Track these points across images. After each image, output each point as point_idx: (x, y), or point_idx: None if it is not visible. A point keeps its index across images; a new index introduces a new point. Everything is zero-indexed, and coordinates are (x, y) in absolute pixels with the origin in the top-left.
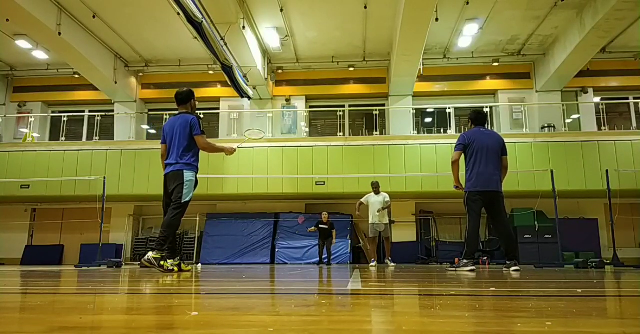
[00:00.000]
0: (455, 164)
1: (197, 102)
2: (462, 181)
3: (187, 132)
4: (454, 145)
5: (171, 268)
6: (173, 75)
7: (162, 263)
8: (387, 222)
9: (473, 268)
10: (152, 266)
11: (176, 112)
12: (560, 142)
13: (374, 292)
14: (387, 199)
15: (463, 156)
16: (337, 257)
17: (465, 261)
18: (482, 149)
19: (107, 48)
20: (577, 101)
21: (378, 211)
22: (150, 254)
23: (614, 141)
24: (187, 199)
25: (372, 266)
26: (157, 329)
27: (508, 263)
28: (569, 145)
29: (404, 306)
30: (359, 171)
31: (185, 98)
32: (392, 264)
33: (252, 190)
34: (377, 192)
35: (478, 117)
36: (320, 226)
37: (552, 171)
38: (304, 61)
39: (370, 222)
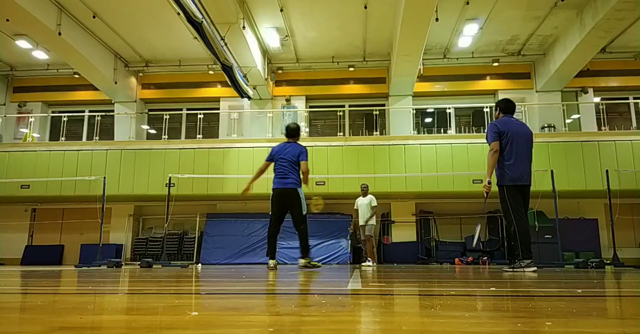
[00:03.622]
0: (496, 154)
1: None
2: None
3: (296, 157)
4: (486, 136)
5: (319, 265)
6: (173, 75)
7: (312, 263)
8: (373, 223)
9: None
10: (307, 268)
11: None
12: (560, 142)
13: (374, 292)
14: (374, 203)
15: None
16: (337, 257)
17: (527, 261)
18: (518, 139)
19: (107, 48)
20: (577, 101)
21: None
22: (302, 261)
23: (614, 141)
24: (306, 212)
25: (363, 265)
26: (157, 329)
27: (527, 262)
28: (569, 145)
29: (404, 306)
30: (359, 171)
31: (294, 133)
32: (368, 263)
33: (252, 190)
34: (364, 195)
35: (508, 105)
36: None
37: (552, 171)
38: (304, 61)
39: (359, 225)
